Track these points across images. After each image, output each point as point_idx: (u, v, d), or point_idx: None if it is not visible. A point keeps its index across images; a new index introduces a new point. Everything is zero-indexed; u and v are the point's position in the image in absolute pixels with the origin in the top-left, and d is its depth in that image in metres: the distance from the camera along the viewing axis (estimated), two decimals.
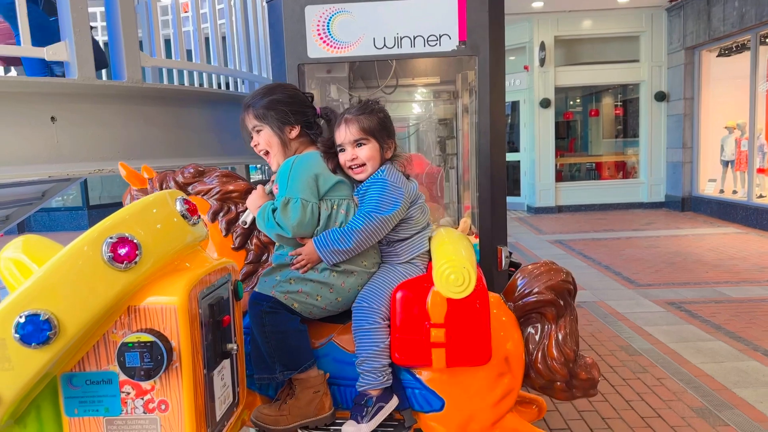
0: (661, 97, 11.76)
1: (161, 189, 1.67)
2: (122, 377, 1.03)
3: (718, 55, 10.71)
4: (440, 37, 1.99)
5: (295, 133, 1.63)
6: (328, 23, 2.00)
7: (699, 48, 10.87)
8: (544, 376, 1.54)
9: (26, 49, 1.73)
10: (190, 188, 1.66)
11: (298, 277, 1.49)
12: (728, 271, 6.54)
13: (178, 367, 1.02)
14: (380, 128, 1.58)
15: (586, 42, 12.16)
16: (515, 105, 12.81)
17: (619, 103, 13.31)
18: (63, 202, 13.78)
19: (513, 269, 3.08)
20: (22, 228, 11.34)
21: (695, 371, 3.78)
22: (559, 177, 12.57)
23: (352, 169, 1.58)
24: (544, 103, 11.83)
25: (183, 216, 1.14)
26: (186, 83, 2.89)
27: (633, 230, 9.60)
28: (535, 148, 12.07)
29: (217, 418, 1.16)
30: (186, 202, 1.16)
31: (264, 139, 1.63)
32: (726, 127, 10.50)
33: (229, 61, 2.58)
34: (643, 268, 6.88)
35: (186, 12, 3.12)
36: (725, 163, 10.68)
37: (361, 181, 1.58)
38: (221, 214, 1.65)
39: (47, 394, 1.04)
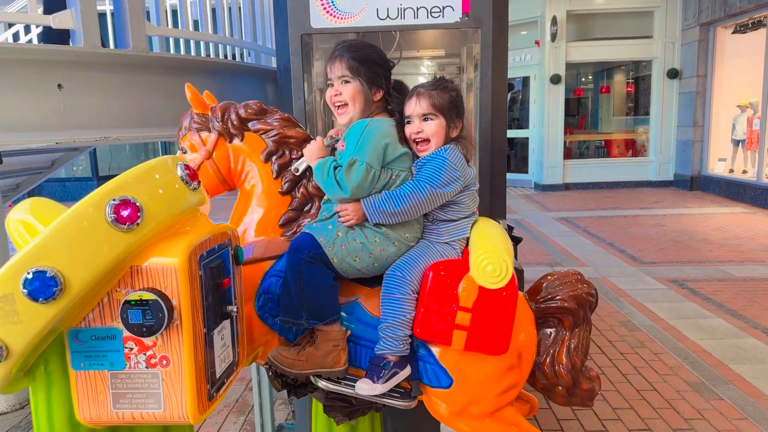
0: (673, 74, 11.60)
1: (222, 118, 1.67)
2: (125, 333, 1.08)
3: (733, 32, 10.52)
4: (443, 8, 1.98)
5: (378, 96, 1.63)
6: None
7: (714, 24, 10.67)
8: (548, 379, 1.58)
9: (33, 16, 1.75)
10: (250, 124, 1.67)
11: (344, 234, 1.52)
12: (733, 250, 6.53)
13: (179, 324, 1.07)
14: (450, 106, 1.59)
15: (599, 17, 11.95)
16: (525, 81, 12.68)
17: (630, 80, 13.14)
18: (73, 172, 13.90)
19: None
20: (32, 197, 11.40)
21: (693, 347, 3.82)
22: (568, 154, 12.49)
23: (416, 143, 1.59)
24: (555, 79, 11.70)
25: (184, 181, 1.17)
26: (192, 53, 2.91)
27: (640, 208, 9.58)
28: (544, 125, 11.97)
29: (217, 375, 1.21)
30: (186, 167, 1.19)
31: (350, 91, 1.61)
32: (738, 106, 10.36)
33: (234, 32, 2.59)
34: (648, 246, 6.89)
35: None
36: (736, 143, 10.56)
37: (421, 157, 1.60)
38: (275, 156, 1.65)
39: (54, 349, 1.09)
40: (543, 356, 1.57)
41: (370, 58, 1.61)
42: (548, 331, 1.59)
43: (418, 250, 1.56)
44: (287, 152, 1.65)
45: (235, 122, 1.65)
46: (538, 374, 1.58)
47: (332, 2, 2.01)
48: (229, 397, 3.36)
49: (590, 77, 13.61)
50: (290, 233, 1.63)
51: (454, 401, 1.51)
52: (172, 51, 2.43)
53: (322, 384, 1.52)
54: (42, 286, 0.97)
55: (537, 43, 11.99)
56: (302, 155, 1.65)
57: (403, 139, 1.62)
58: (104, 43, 1.88)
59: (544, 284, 1.62)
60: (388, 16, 2.00)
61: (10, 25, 4.32)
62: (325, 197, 1.62)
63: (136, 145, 13.81)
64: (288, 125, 1.66)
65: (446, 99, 1.59)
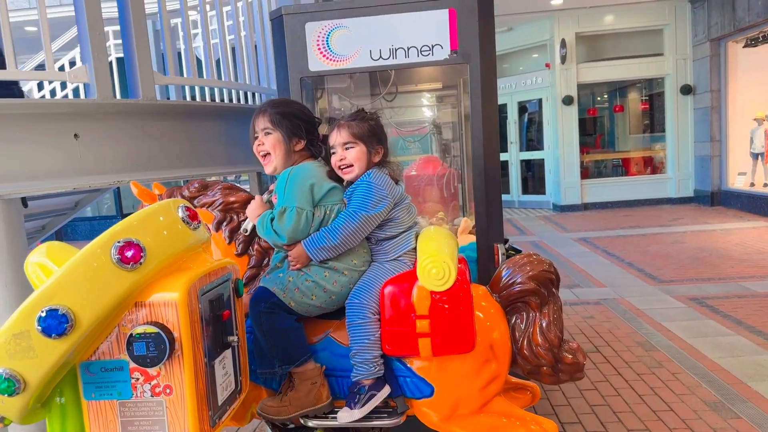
0: (687, 90, 11.58)
1: None
2: (132, 365, 1.17)
3: (744, 46, 10.50)
4: (432, 47, 2.09)
5: (300, 146, 1.76)
6: (327, 38, 2.12)
7: (724, 39, 10.67)
8: (530, 362, 1.63)
9: (51, 73, 1.90)
10: (195, 201, 1.81)
11: (295, 278, 1.61)
12: (755, 265, 6.44)
13: (180, 355, 1.16)
14: (369, 134, 1.71)
15: (609, 37, 12.04)
16: (540, 102, 12.76)
17: (644, 98, 13.14)
18: (98, 211, 14.31)
19: None
20: (60, 236, 11.80)
21: (711, 365, 3.78)
22: (585, 174, 12.47)
23: (341, 169, 1.72)
24: (567, 101, 11.76)
25: (185, 222, 1.27)
26: (198, 96, 3.08)
27: (659, 226, 9.49)
28: (559, 146, 12.00)
29: (219, 403, 1.29)
30: (187, 209, 1.29)
31: (271, 142, 1.76)
32: (755, 119, 10.28)
33: (239, 76, 2.74)
34: (667, 264, 6.82)
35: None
36: (755, 156, 10.45)
37: (350, 183, 1.70)
38: (224, 224, 1.78)
39: (68, 381, 1.19)
40: (519, 341, 1.62)
41: (291, 112, 1.74)
42: (518, 316, 1.64)
43: (370, 273, 1.65)
44: (234, 217, 1.78)
45: None
46: (520, 360, 1.63)
47: (328, 46, 2.13)
48: (246, 428, 3.42)
49: (605, 96, 13.65)
50: (253, 290, 1.73)
51: (440, 407, 1.56)
52: (187, 97, 2.59)
53: (311, 423, 1.59)
54: (55, 323, 1.07)
55: (547, 65, 12.11)
56: (247, 217, 1.76)
57: (332, 172, 1.73)
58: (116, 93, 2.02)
59: (502, 273, 1.67)
60: (380, 56, 2.11)
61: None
62: (275, 250, 1.73)
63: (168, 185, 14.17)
64: (229, 192, 1.79)
65: (365, 128, 1.71)
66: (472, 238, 2.31)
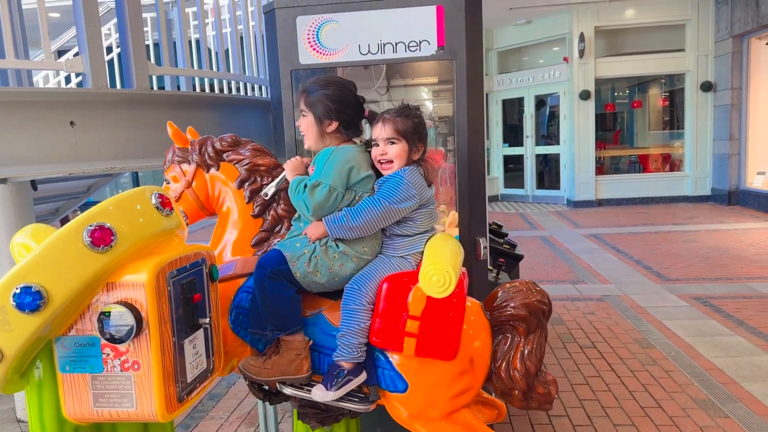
0: (707, 87, 11.39)
1: (200, 151, 1.86)
2: (103, 341, 1.24)
3: (767, 43, 10.30)
4: (420, 42, 2.13)
5: (332, 128, 1.78)
6: (318, 32, 2.17)
7: (747, 36, 10.47)
8: (505, 384, 1.67)
9: (47, 63, 1.98)
10: (225, 155, 1.84)
11: (308, 252, 1.66)
12: (765, 266, 6.36)
13: (147, 333, 1.23)
14: (413, 132, 1.73)
15: (629, 32, 11.88)
16: (557, 97, 12.65)
17: (664, 94, 12.95)
18: (118, 194, 14.59)
19: (503, 260, 3.19)
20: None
21: (706, 364, 3.78)
22: (601, 170, 12.36)
23: (381, 163, 1.74)
24: (584, 95, 11.65)
25: (157, 208, 1.34)
26: (197, 86, 3.16)
27: (672, 225, 9.39)
28: (575, 141, 11.90)
29: (188, 380, 1.36)
30: (160, 196, 1.36)
31: (304, 123, 1.81)
32: None
33: (235, 67, 2.80)
34: (676, 263, 6.77)
35: (212, 17, 3.34)
36: None
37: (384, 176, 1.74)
38: (248, 183, 1.82)
39: (45, 355, 1.27)
40: (499, 362, 1.66)
41: (326, 94, 1.76)
42: (503, 337, 1.68)
43: (375, 264, 1.69)
44: (258, 179, 1.81)
45: (211, 154, 1.82)
46: (495, 380, 1.67)
47: (318, 40, 2.18)
48: (242, 409, 3.52)
49: (624, 92, 13.48)
50: (261, 252, 1.78)
51: (410, 404, 1.61)
52: (183, 87, 2.65)
53: (286, 390, 1.66)
54: (28, 300, 1.15)
55: (565, 59, 12.00)
56: (272, 181, 1.80)
57: (371, 162, 1.76)
58: (112, 84, 2.10)
59: (499, 294, 1.71)
60: (369, 51, 2.16)
61: None
62: (295, 215, 1.77)
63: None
64: (259, 155, 1.82)
65: (409, 125, 1.72)
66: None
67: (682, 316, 4.82)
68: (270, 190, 1.79)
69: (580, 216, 10.87)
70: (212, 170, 1.84)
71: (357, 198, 1.70)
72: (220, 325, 1.56)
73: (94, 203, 1.41)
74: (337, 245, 1.68)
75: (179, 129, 1.87)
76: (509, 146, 13.70)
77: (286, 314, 1.64)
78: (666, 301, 5.29)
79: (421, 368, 1.60)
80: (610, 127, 13.50)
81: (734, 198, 11.01)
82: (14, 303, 1.15)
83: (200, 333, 1.43)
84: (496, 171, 13.87)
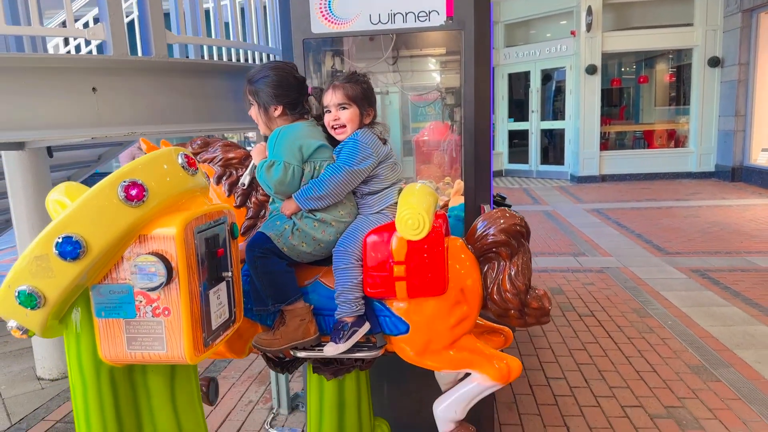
0: (714, 62, 11.33)
1: None
2: (136, 289, 1.34)
3: None
4: (429, 13, 2.18)
5: (278, 112, 1.87)
6: (330, 2, 2.23)
7: (757, 10, 10.37)
8: (499, 306, 1.78)
9: (71, 30, 2.05)
10: (198, 157, 1.95)
11: (289, 227, 1.77)
12: (764, 241, 6.45)
13: (177, 282, 1.33)
14: (362, 96, 1.83)
15: (637, 5, 11.77)
16: (563, 72, 12.58)
17: (671, 70, 12.88)
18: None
19: None
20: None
21: (701, 333, 3.90)
22: (605, 146, 12.38)
23: (334, 129, 1.84)
24: (590, 70, 11.61)
25: (183, 168, 1.43)
26: (214, 55, 3.22)
27: (675, 200, 9.46)
28: (580, 116, 11.89)
29: (213, 327, 1.47)
30: (186, 156, 1.45)
31: (253, 113, 1.92)
32: None
33: (247, 36, 2.87)
34: (676, 236, 6.87)
35: None
36: None
37: (340, 142, 1.83)
38: (224, 178, 1.93)
39: (82, 301, 1.37)
40: (490, 287, 1.77)
41: (264, 82, 1.84)
42: (490, 264, 1.79)
43: (355, 223, 1.79)
44: (233, 171, 1.91)
45: None
46: (490, 304, 1.78)
47: (330, 9, 2.24)
48: (252, 369, 3.67)
49: (633, 67, 13.39)
50: (250, 238, 1.88)
51: (415, 343, 1.73)
52: (192, 56, 2.72)
53: (300, 354, 1.77)
54: (69, 249, 1.24)
55: (572, 33, 11.91)
56: (245, 171, 1.90)
57: (323, 132, 1.85)
58: (132, 51, 2.17)
59: (477, 226, 1.81)
60: (380, 21, 2.22)
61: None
62: (270, 200, 1.87)
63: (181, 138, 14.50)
64: (228, 149, 1.92)
65: (359, 90, 1.81)
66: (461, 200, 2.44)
67: (680, 287, 4.94)
68: (245, 179, 1.89)
69: (583, 191, 10.94)
70: None
71: (317, 168, 1.79)
72: (240, 279, 1.67)
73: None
74: (314, 215, 1.79)
75: (153, 144, 1.95)
76: (514, 121, 13.69)
77: (283, 286, 1.75)
78: (665, 273, 5.40)
79: (417, 308, 1.71)
80: (616, 102, 13.45)
81: (738, 174, 11.05)
82: (56, 251, 1.25)
83: (223, 285, 1.53)
84: (500, 146, 13.88)
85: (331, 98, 1.83)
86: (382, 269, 1.69)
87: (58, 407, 3.29)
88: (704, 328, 3.98)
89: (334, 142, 1.88)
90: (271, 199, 1.89)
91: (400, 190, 1.83)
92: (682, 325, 4.05)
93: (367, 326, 1.73)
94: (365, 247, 1.72)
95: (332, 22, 2.25)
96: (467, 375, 1.82)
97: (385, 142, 1.86)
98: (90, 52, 3.70)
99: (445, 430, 1.83)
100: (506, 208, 2.09)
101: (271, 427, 2.97)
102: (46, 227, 1.27)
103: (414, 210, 1.63)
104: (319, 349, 1.77)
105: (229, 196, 1.92)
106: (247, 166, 1.93)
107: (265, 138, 1.90)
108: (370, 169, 1.78)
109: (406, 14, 2.21)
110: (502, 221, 1.77)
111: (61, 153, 4.19)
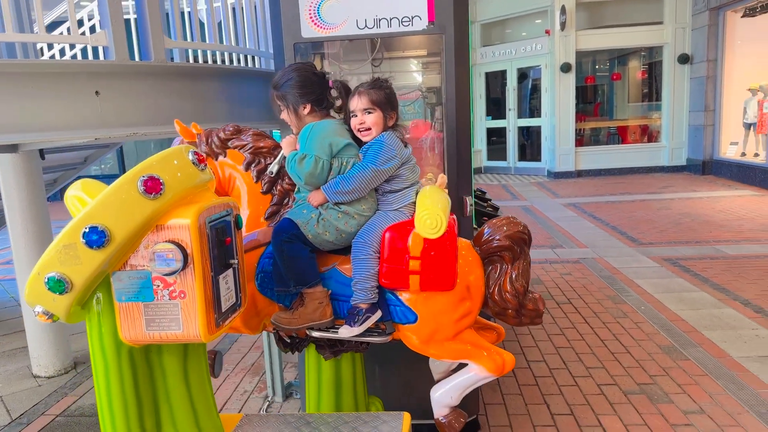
0: (684, 59, 11.70)
1: (207, 142, 2.06)
2: (154, 274, 1.47)
3: (742, 16, 10.60)
4: (412, 18, 2.34)
5: (307, 110, 2.02)
6: (318, 7, 2.37)
7: (723, 8, 10.75)
8: (498, 305, 1.94)
9: (75, 37, 2.16)
10: (230, 143, 2.04)
11: (315, 216, 1.90)
12: (732, 230, 6.74)
13: (192, 267, 1.46)
14: (386, 101, 1.96)
15: (610, 4, 12.09)
16: (539, 70, 12.85)
17: (643, 67, 13.24)
18: (101, 170, 14.63)
19: (486, 219, 3.46)
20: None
21: (672, 316, 4.13)
22: (581, 142, 12.68)
23: (360, 131, 1.97)
24: (565, 68, 11.89)
25: (194, 164, 1.56)
26: (208, 58, 3.34)
27: (648, 193, 9.77)
28: (556, 113, 12.17)
29: (222, 310, 1.60)
30: (196, 153, 1.58)
31: (284, 116, 2.07)
32: (749, 89, 10.45)
33: (240, 40, 2.99)
34: (650, 228, 7.13)
35: None
36: (748, 126, 10.65)
37: (366, 143, 1.97)
38: (253, 165, 2.03)
39: (103, 287, 1.49)
40: (492, 287, 1.93)
41: (289, 84, 1.99)
42: (493, 266, 1.95)
43: (375, 218, 1.94)
44: (262, 160, 2.03)
45: (217, 143, 2.04)
46: (490, 302, 1.94)
47: (319, 15, 2.38)
48: (245, 361, 3.79)
49: (606, 64, 13.73)
50: (274, 223, 2.01)
51: (421, 332, 1.88)
52: (190, 59, 2.84)
53: (315, 334, 1.92)
54: (95, 237, 1.37)
55: (547, 32, 12.19)
56: (273, 160, 2.03)
57: (349, 131, 2.00)
58: (132, 56, 2.28)
59: (485, 231, 1.97)
60: (366, 25, 2.36)
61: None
62: (296, 189, 2.01)
63: (160, 143, 14.48)
64: (259, 138, 2.04)
65: (382, 95, 1.96)
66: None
67: (653, 275, 5.18)
68: (273, 168, 2.01)
69: (560, 186, 11.21)
70: (220, 157, 2.05)
71: (345, 164, 1.93)
72: (244, 267, 1.80)
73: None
74: (338, 207, 1.93)
75: (185, 125, 2.06)
76: (492, 119, 13.94)
77: (305, 270, 1.89)
78: (638, 262, 5.64)
79: (426, 300, 1.86)
80: (591, 99, 13.78)
81: (708, 168, 11.42)
82: (83, 240, 1.37)
83: (230, 271, 1.66)
84: (479, 143, 14.12)
85: (358, 103, 1.95)
86: (398, 262, 1.84)
87: (57, 402, 3.37)
88: (675, 312, 4.21)
89: (359, 141, 2.02)
90: (297, 189, 2.01)
91: (418, 191, 1.97)
92: (654, 310, 4.27)
93: (379, 314, 1.87)
94: (384, 241, 1.87)
95: (321, 27, 2.39)
96: (461, 365, 1.97)
97: (406, 144, 2.00)
98: (94, 51, 3.75)
99: (440, 414, 1.98)
100: (496, 207, 2.24)
101: (267, 413, 3.10)
102: (73, 219, 1.39)
103: (432, 211, 1.79)
104: (333, 331, 1.91)
105: (256, 182, 2.04)
106: (276, 156, 2.04)
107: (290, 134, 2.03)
108: (393, 169, 1.93)
109: (391, 19, 2.36)
110: (507, 228, 1.94)
111: (49, 156, 4.26)
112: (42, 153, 3.65)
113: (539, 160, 13.20)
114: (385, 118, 1.97)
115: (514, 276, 1.94)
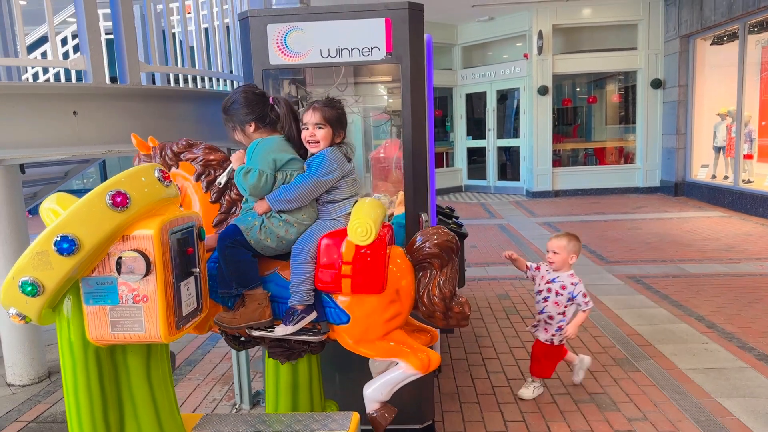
0: (657, 84, 12.09)
1: (161, 155, 2.23)
2: (119, 280, 1.62)
3: (711, 44, 11.01)
4: (371, 48, 2.53)
5: (252, 128, 2.20)
6: (285, 38, 2.56)
7: (693, 36, 11.17)
8: (427, 308, 2.11)
9: (55, 62, 2.32)
10: (182, 156, 2.21)
11: (258, 223, 2.07)
12: (697, 250, 6.99)
13: (155, 274, 1.61)
14: (336, 120, 2.15)
15: (585, 30, 12.50)
16: (518, 92, 13.19)
17: (619, 91, 13.64)
18: (84, 184, 14.69)
19: None
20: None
21: (629, 331, 4.32)
22: (558, 163, 12.99)
23: (309, 143, 2.15)
24: (542, 91, 12.22)
25: (159, 180, 1.72)
26: (180, 80, 3.52)
27: (622, 213, 10.04)
28: (533, 135, 12.47)
29: (183, 314, 1.75)
30: (162, 171, 1.74)
31: (236, 136, 2.24)
32: (719, 114, 10.83)
33: (212, 65, 3.17)
34: (618, 247, 7.36)
35: (189, 13, 3.68)
36: (717, 149, 11.01)
37: (312, 155, 2.15)
38: (203, 176, 2.21)
39: (73, 291, 1.63)
40: (422, 291, 2.10)
41: (232, 107, 2.18)
42: (423, 272, 2.12)
43: (314, 227, 2.12)
44: (212, 171, 2.21)
45: (170, 156, 2.21)
46: (420, 306, 2.11)
47: (286, 45, 2.56)
48: (216, 371, 3.91)
49: (584, 87, 14.12)
50: (221, 230, 2.17)
51: (353, 332, 2.04)
52: (171, 83, 3.01)
53: (254, 333, 2.07)
54: (66, 246, 1.51)
55: (525, 56, 12.54)
56: (223, 172, 2.20)
57: (293, 147, 2.16)
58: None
59: (417, 239, 2.15)
60: (329, 55, 2.55)
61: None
62: (243, 198, 2.18)
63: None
64: (210, 152, 2.21)
65: (334, 114, 2.15)
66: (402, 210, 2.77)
67: (616, 292, 5.38)
68: (222, 179, 2.19)
69: (537, 206, 11.46)
70: (173, 169, 2.22)
71: (288, 176, 2.11)
72: (206, 275, 1.95)
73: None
74: (280, 215, 2.10)
75: (141, 138, 2.22)
76: (473, 139, 14.23)
77: (246, 273, 2.06)
78: (603, 280, 5.84)
79: (358, 303, 2.02)
80: (570, 121, 14.15)
81: (680, 189, 11.76)
82: (55, 248, 1.52)
83: (192, 279, 1.81)
84: (459, 163, 14.39)
85: (311, 117, 2.14)
86: (331, 267, 2.01)
87: (30, 409, 3.47)
88: (632, 327, 4.40)
89: (304, 155, 2.20)
90: (244, 198, 2.18)
91: (355, 203, 2.15)
92: (613, 325, 4.46)
93: (314, 314, 2.03)
94: (320, 247, 2.04)
95: (288, 56, 2.57)
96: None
97: (349, 160, 2.18)
98: (76, 72, 3.91)
99: (371, 409, 2.14)
100: (443, 225, 2.43)
101: None
102: (46, 229, 1.55)
103: (363, 220, 1.96)
104: (270, 330, 2.07)
105: (206, 192, 2.21)
106: (225, 168, 2.21)
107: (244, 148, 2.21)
108: (333, 181, 2.10)
109: (352, 49, 2.55)
110: (436, 237, 2.11)
111: (31, 170, 4.38)
112: (22, 167, 3.78)
113: (518, 179, 13.48)
114: (333, 134, 2.15)
115: (442, 281, 2.11)
